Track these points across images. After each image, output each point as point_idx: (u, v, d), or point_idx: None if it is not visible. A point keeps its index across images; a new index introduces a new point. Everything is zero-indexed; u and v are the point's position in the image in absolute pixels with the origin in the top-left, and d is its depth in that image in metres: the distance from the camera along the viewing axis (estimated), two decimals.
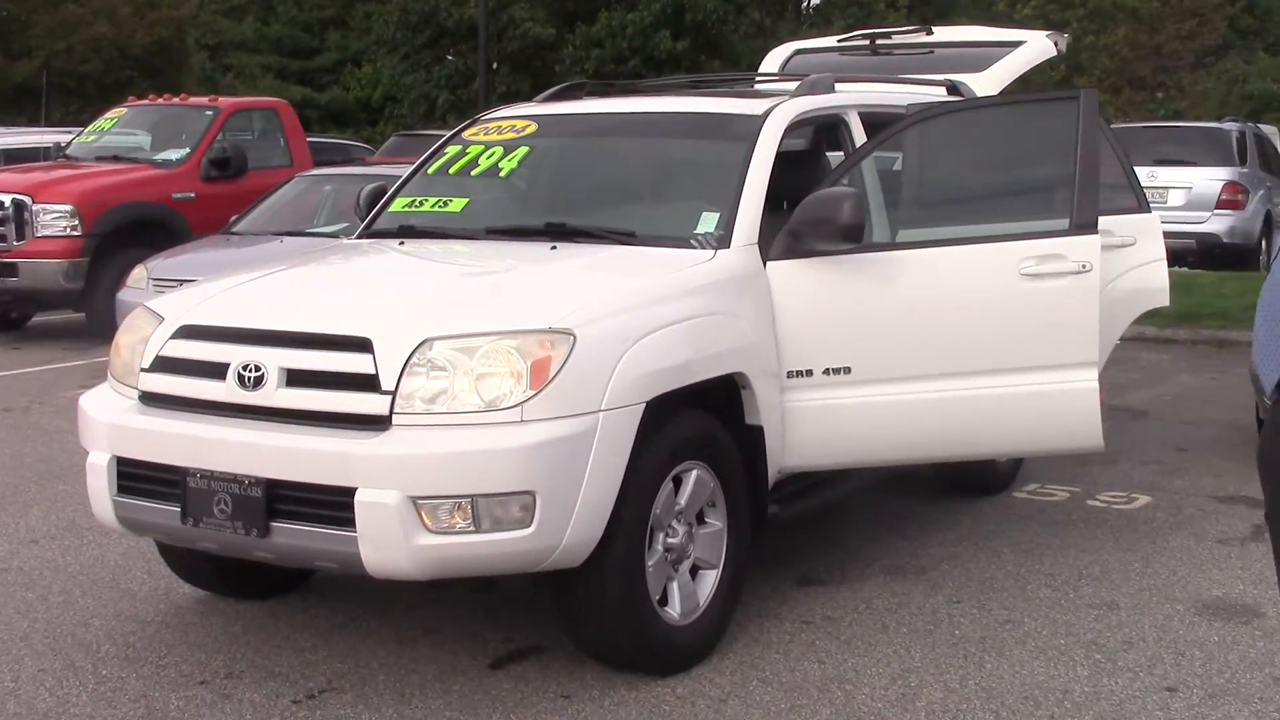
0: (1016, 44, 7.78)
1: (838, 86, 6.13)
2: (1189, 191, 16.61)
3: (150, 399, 4.72)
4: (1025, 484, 7.28)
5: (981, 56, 7.65)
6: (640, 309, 4.66)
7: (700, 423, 4.79)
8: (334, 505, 4.24)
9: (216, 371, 4.55)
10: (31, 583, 5.77)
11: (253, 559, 4.61)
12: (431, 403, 4.28)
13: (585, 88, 6.68)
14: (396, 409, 4.27)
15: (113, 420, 4.73)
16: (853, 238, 5.10)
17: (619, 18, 36.23)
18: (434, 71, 38.53)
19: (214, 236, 12.13)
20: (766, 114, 5.62)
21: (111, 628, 5.24)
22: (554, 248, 5.24)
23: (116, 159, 13.66)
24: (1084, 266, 5.33)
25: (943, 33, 8.21)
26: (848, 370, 5.29)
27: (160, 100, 14.95)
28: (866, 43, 8.25)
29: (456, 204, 5.89)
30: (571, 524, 4.29)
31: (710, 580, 4.88)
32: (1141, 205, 6.38)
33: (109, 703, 4.55)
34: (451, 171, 6.01)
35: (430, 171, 6.11)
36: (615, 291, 4.70)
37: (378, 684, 4.69)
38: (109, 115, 14.80)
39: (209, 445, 4.46)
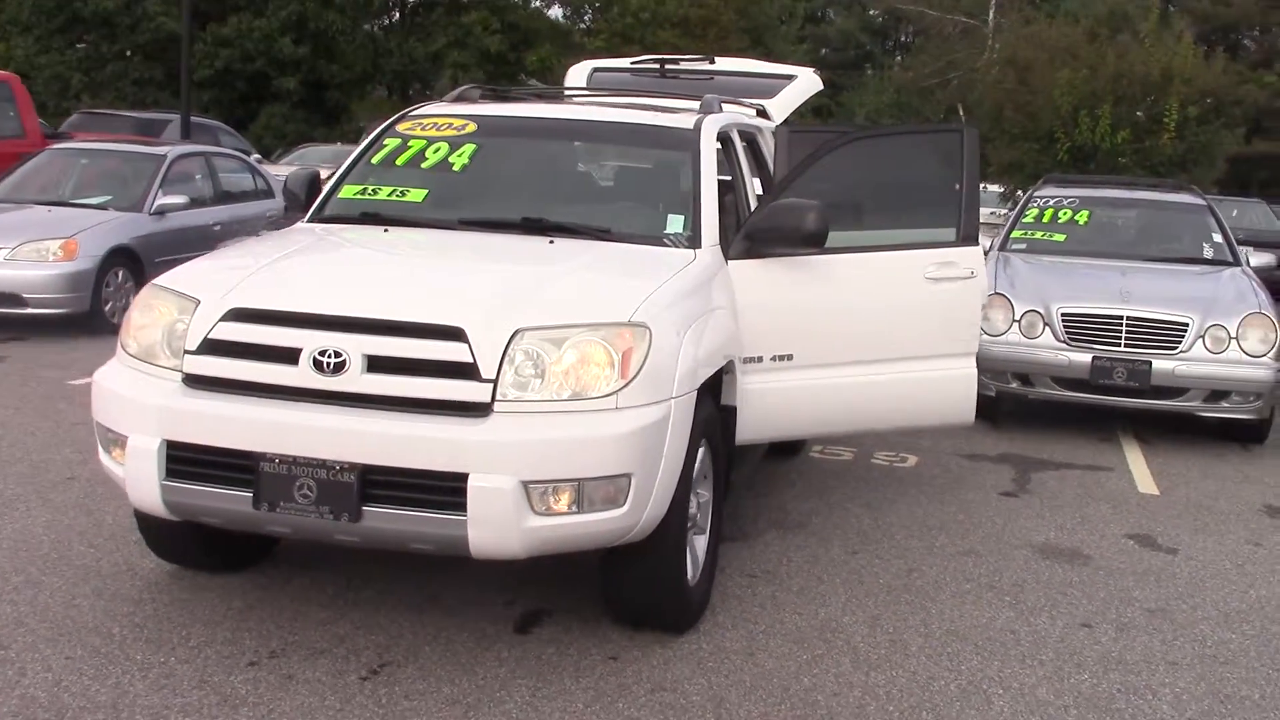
0: (789, 77, 7.68)
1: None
2: None
3: (199, 381, 3.85)
4: (813, 447, 7.25)
5: (759, 86, 7.49)
6: (678, 304, 4.20)
7: (708, 405, 4.41)
8: (440, 490, 3.60)
9: (287, 356, 3.76)
10: None
11: (331, 542, 3.85)
12: (526, 390, 3.71)
13: (479, 91, 6.04)
14: (497, 396, 3.68)
15: (161, 403, 3.82)
16: (816, 243, 4.83)
17: (247, 22, 34.01)
18: (67, 54, 34.87)
19: None
20: (698, 126, 5.26)
21: (105, 608, 4.27)
22: (552, 242, 4.68)
23: None
24: (972, 273, 5.31)
25: (723, 62, 8.00)
26: (790, 357, 5.04)
27: None
28: (657, 67, 7.92)
29: (415, 194, 5.13)
30: (650, 502, 3.84)
31: (702, 544, 4.51)
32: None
33: (172, 690, 3.69)
34: (398, 163, 5.24)
35: (374, 161, 5.31)
36: (658, 287, 4.20)
37: (427, 655, 4.04)
38: None
39: (288, 430, 3.67)
